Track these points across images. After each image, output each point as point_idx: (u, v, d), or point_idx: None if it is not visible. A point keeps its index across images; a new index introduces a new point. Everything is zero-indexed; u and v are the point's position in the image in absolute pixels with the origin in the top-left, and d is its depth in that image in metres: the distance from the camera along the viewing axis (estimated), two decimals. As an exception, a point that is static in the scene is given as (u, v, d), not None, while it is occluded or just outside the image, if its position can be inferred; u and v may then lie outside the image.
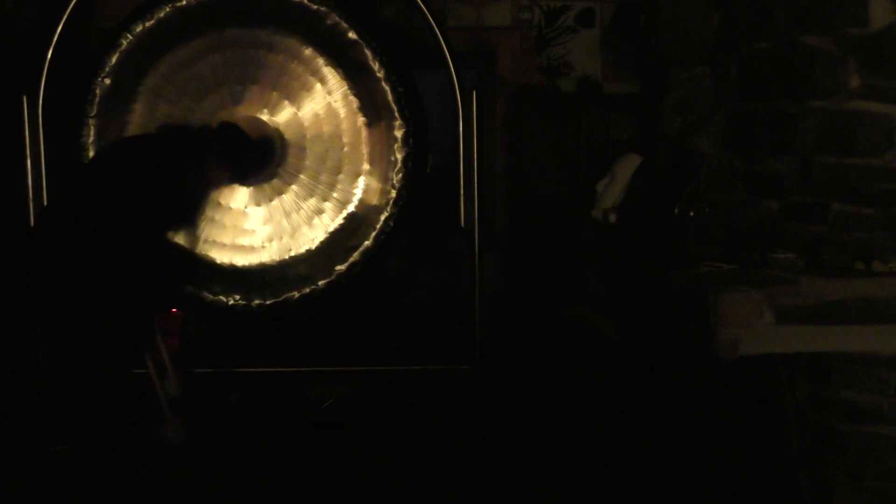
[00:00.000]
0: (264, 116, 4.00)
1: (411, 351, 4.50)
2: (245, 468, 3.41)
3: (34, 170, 3.63)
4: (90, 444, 3.41)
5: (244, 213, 4.08)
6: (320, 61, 3.96)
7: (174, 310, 4.12)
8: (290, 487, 3.28)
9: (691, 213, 3.27)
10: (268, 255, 4.09)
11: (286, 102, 3.99)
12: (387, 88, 3.96)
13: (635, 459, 3.38)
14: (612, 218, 3.94)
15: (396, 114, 3.98)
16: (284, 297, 4.06)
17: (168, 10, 3.84)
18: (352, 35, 3.91)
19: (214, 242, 4.06)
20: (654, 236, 3.56)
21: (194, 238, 3.94)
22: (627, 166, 4.06)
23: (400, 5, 4.75)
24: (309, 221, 4.08)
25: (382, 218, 4.05)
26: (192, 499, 3.23)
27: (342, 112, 4.02)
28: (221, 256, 4.08)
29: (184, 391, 3.65)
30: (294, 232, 4.09)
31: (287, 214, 4.08)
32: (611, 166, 4.14)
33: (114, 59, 3.78)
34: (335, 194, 4.07)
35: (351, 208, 4.08)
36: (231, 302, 4.05)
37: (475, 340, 3.92)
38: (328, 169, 4.07)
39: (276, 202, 4.06)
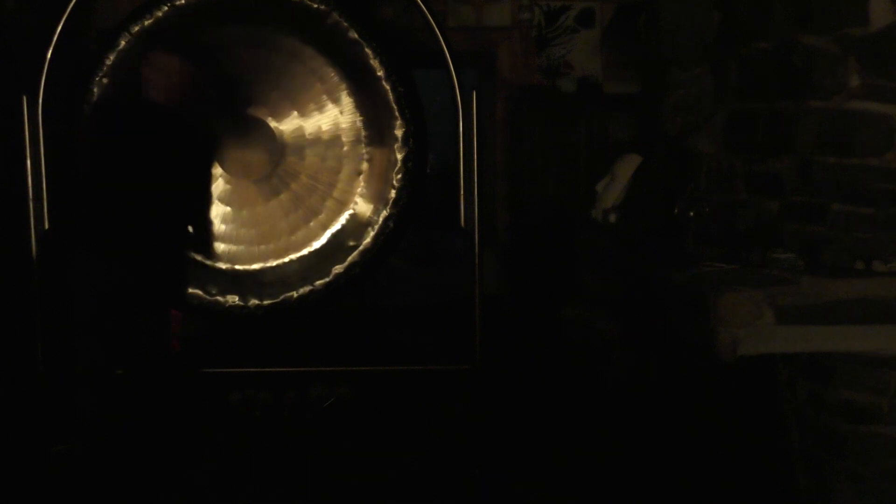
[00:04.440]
0: (264, 116, 4.00)
1: (411, 351, 4.50)
2: (245, 468, 3.41)
3: (34, 170, 3.62)
4: (89, 443, 3.41)
5: (242, 213, 4.08)
6: (320, 61, 3.96)
7: (173, 310, 4.12)
8: (290, 487, 3.28)
9: (691, 213, 3.27)
10: (266, 255, 4.09)
11: (286, 102, 3.99)
12: (387, 88, 3.96)
13: (635, 459, 3.37)
14: (612, 218, 3.94)
15: (396, 114, 3.98)
16: (283, 298, 4.06)
17: (167, 9, 3.84)
18: (352, 35, 3.91)
19: (212, 242, 4.06)
20: (654, 236, 3.56)
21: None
22: (627, 166, 4.05)
23: (400, 5, 4.75)
24: (308, 221, 4.08)
25: (382, 218, 4.05)
26: (193, 498, 3.23)
27: (342, 112, 4.02)
28: (219, 257, 4.08)
29: None
30: (293, 232, 4.09)
31: (286, 214, 4.08)
32: (611, 166, 4.14)
33: (112, 59, 3.78)
34: (335, 194, 4.07)
35: (350, 208, 4.08)
36: (229, 303, 4.05)
37: (475, 340, 3.92)
38: (327, 168, 4.06)
39: (274, 202, 4.06)
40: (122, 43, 3.79)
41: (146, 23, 3.82)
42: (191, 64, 3.66)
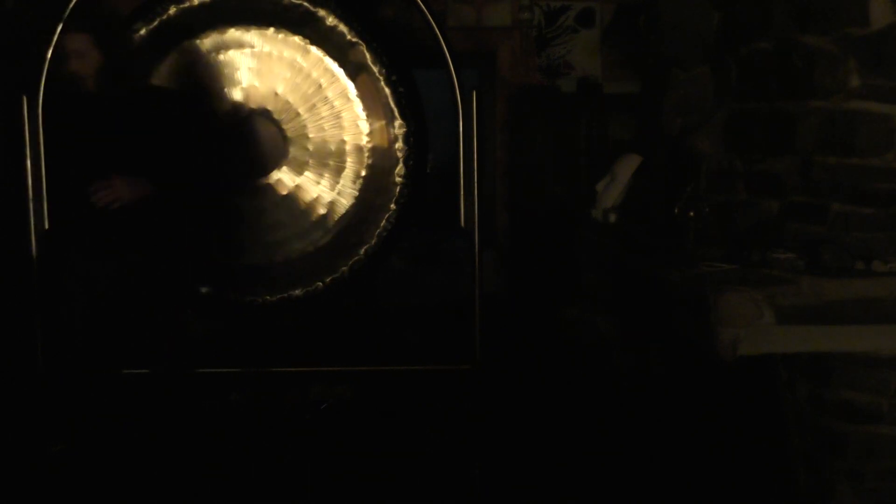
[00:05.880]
0: (267, 116, 4.00)
1: (412, 351, 4.50)
2: (245, 468, 3.41)
3: (34, 170, 3.63)
4: (89, 443, 3.41)
5: (246, 212, 4.09)
6: (321, 61, 3.97)
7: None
8: (290, 487, 3.28)
9: (691, 213, 3.27)
10: (271, 252, 4.10)
11: (288, 102, 4.00)
12: (387, 89, 3.97)
13: (635, 458, 3.38)
14: (612, 218, 3.94)
15: (396, 114, 3.99)
16: (288, 294, 4.07)
17: (170, 10, 3.85)
18: (352, 36, 3.92)
19: (217, 240, 4.07)
20: (654, 236, 3.55)
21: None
22: (627, 166, 4.05)
23: (400, 5, 4.75)
24: (311, 219, 4.09)
25: (384, 217, 4.06)
26: (193, 498, 3.23)
27: (343, 112, 4.03)
28: (224, 254, 4.08)
29: None
30: (297, 230, 4.10)
31: (290, 212, 4.09)
32: (611, 166, 4.14)
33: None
34: (337, 193, 4.07)
35: (353, 207, 4.09)
36: (232, 300, 4.06)
37: (475, 340, 3.92)
38: (330, 168, 4.07)
39: (278, 200, 4.07)
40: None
41: (149, 24, 3.84)
42: (106, 37, 3.31)
